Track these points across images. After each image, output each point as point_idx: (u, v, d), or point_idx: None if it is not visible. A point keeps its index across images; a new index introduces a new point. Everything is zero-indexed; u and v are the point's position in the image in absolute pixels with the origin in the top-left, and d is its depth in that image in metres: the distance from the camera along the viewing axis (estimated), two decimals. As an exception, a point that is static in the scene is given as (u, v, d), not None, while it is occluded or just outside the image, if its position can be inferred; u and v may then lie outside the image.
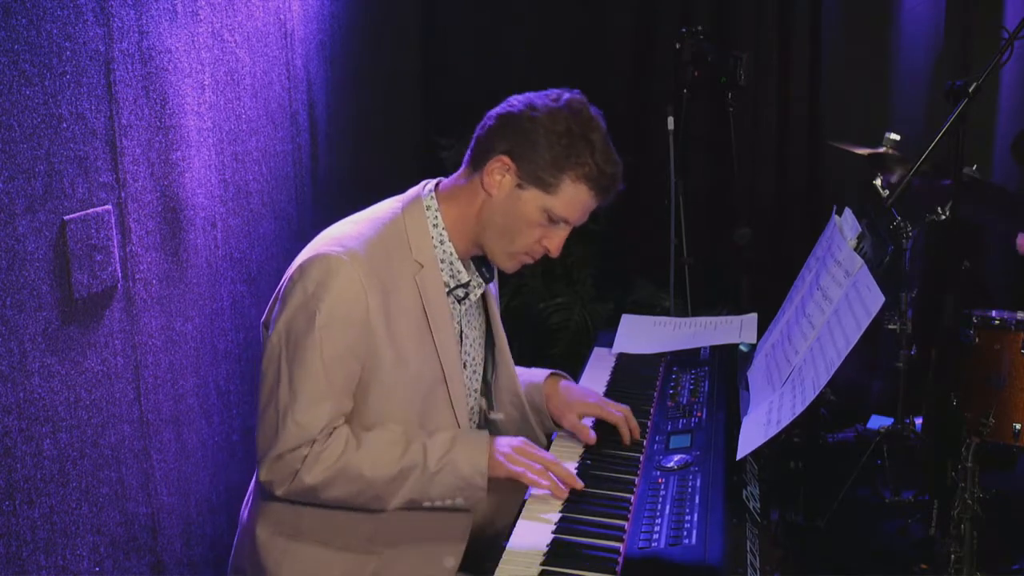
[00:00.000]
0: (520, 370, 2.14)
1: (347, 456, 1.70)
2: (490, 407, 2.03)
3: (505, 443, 1.79)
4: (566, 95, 1.77)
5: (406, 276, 1.76)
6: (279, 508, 1.79)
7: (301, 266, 1.71)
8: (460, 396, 1.84)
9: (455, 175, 1.84)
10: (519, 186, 1.75)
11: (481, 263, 1.89)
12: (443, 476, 1.72)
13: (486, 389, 2.03)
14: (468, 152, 1.82)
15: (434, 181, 1.86)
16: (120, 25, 1.85)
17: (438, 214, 1.80)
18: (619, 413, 2.02)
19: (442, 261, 1.81)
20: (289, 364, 1.69)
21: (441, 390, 1.81)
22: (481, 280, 1.88)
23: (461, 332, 1.89)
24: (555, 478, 1.77)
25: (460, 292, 1.85)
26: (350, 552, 1.78)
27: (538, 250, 1.82)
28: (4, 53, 1.54)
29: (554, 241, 1.80)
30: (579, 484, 1.78)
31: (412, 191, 1.86)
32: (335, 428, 1.73)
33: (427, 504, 1.75)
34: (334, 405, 1.70)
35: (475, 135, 1.80)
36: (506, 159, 1.74)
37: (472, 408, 1.96)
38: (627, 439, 2.00)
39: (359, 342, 1.70)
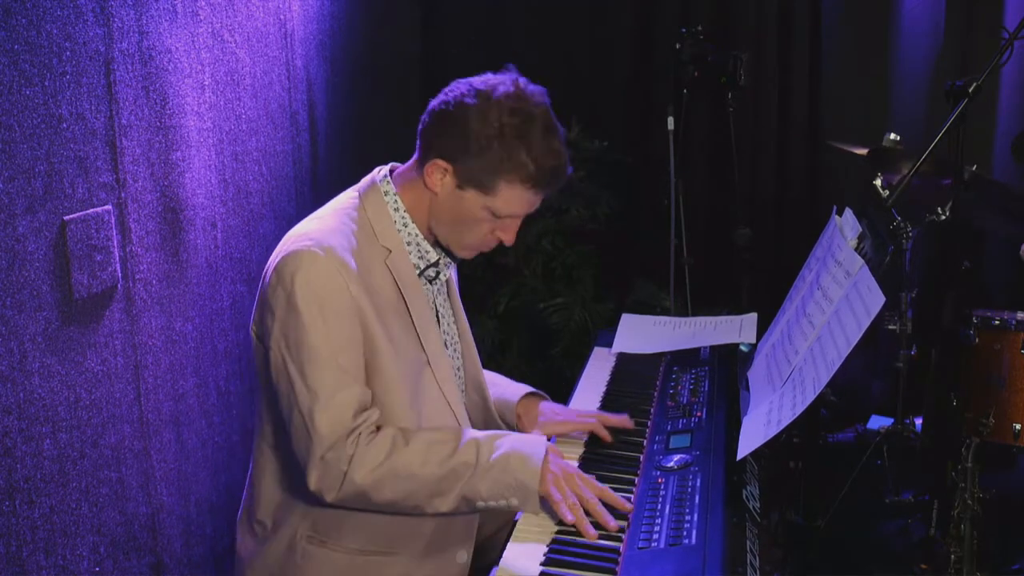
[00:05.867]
0: (498, 380, 2.13)
1: (396, 454, 1.67)
2: None
3: (560, 463, 1.72)
4: (501, 88, 1.71)
5: (377, 262, 1.75)
6: (295, 515, 1.78)
7: (276, 269, 1.69)
8: (447, 377, 1.83)
9: (409, 163, 1.82)
10: (459, 187, 1.73)
11: None
12: (495, 474, 1.67)
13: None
14: (417, 141, 1.80)
15: (387, 167, 1.85)
16: (120, 25, 1.85)
17: (396, 198, 1.79)
18: (591, 421, 2.01)
19: (408, 243, 1.80)
20: (298, 367, 1.66)
21: (427, 373, 1.80)
22: (449, 259, 1.87)
23: (437, 312, 1.89)
24: (586, 521, 1.65)
25: (431, 272, 1.84)
26: (371, 555, 1.78)
27: (492, 241, 1.80)
28: (4, 53, 1.54)
29: (507, 233, 1.79)
30: (613, 526, 1.66)
31: (366, 179, 1.84)
32: (379, 427, 1.70)
33: (480, 504, 1.69)
34: (355, 390, 1.67)
35: (419, 128, 1.78)
36: (442, 163, 1.72)
37: (461, 388, 1.96)
38: (607, 437, 1.98)
39: (355, 328, 1.68)
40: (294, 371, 1.66)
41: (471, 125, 1.69)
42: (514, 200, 1.73)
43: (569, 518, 1.65)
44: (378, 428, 1.70)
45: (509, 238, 1.79)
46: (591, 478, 1.74)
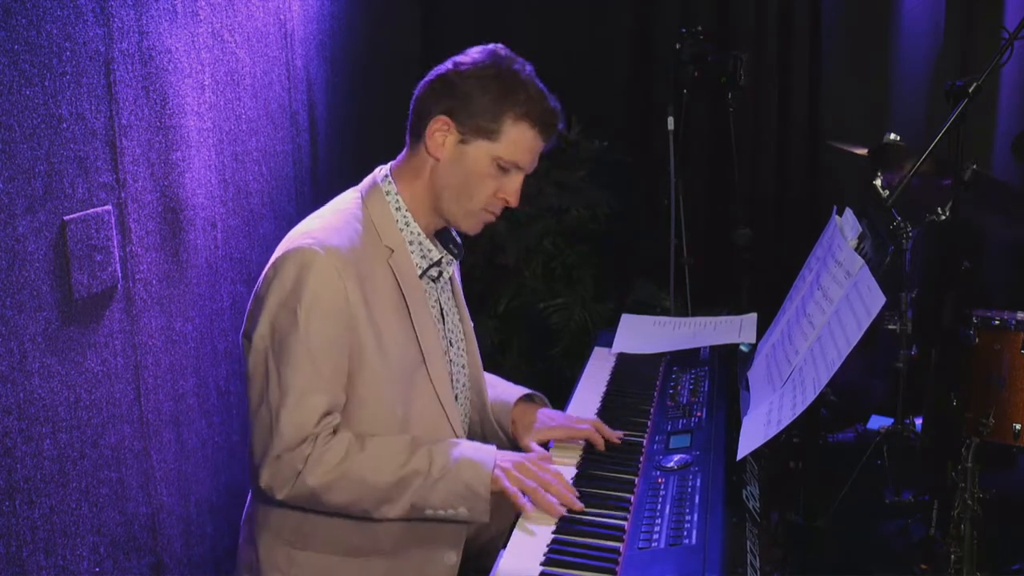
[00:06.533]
0: (496, 382, 2.14)
1: (350, 459, 1.69)
2: None
3: (507, 457, 1.77)
4: (489, 46, 1.79)
5: (379, 261, 1.77)
6: (279, 515, 1.78)
7: (275, 264, 1.71)
8: (442, 379, 1.84)
9: (401, 154, 1.85)
10: (463, 142, 1.75)
11: (447, 240, 1.89)
12: (446, 483, 1.70)
13: None
14: (408, 127, 1.83)
15: (387, 166, 1.87)
16: (120, 25, 1.85)
17: (398, 197, 1.81)
18: (586, 427, 1.99)
19: (411, 243, 1.82)
20: (277, 363, 1.68)
21: (422, 373, 1.81)
22: (451, 256, 1.89)
23: (441, 310, 1.91)
24: (550, 498, 1.70)
25: (434, 272, 1.86)
26: (356, 556, 1.78)
27: (497, 203, 1.82)
28: (4, 53, 1.54)
29: (510, 190, 1.80)
30: (577, 505, 1.72)
31: (368, 179, 1.87)
32: (336, 429, 1.72)
33: (429, 512, 1.73)
34: (327, 397, 1.69)
35: (410, 109, 1.82)
36: (444, 118, 1.75)
37: (464, 384, 1.96)
38: (600, 446, 1.96)
39: (343, 332, 1.69)
40: (272, 366, 1.68)
41: (469, 75, 1.74)
42: (518, 143, 1.75)
43: (529, 508, 1.68)
44: (335, 431, 1.72)
45: (514, 197, 1.81)
46: (544, 463, 1.78)
